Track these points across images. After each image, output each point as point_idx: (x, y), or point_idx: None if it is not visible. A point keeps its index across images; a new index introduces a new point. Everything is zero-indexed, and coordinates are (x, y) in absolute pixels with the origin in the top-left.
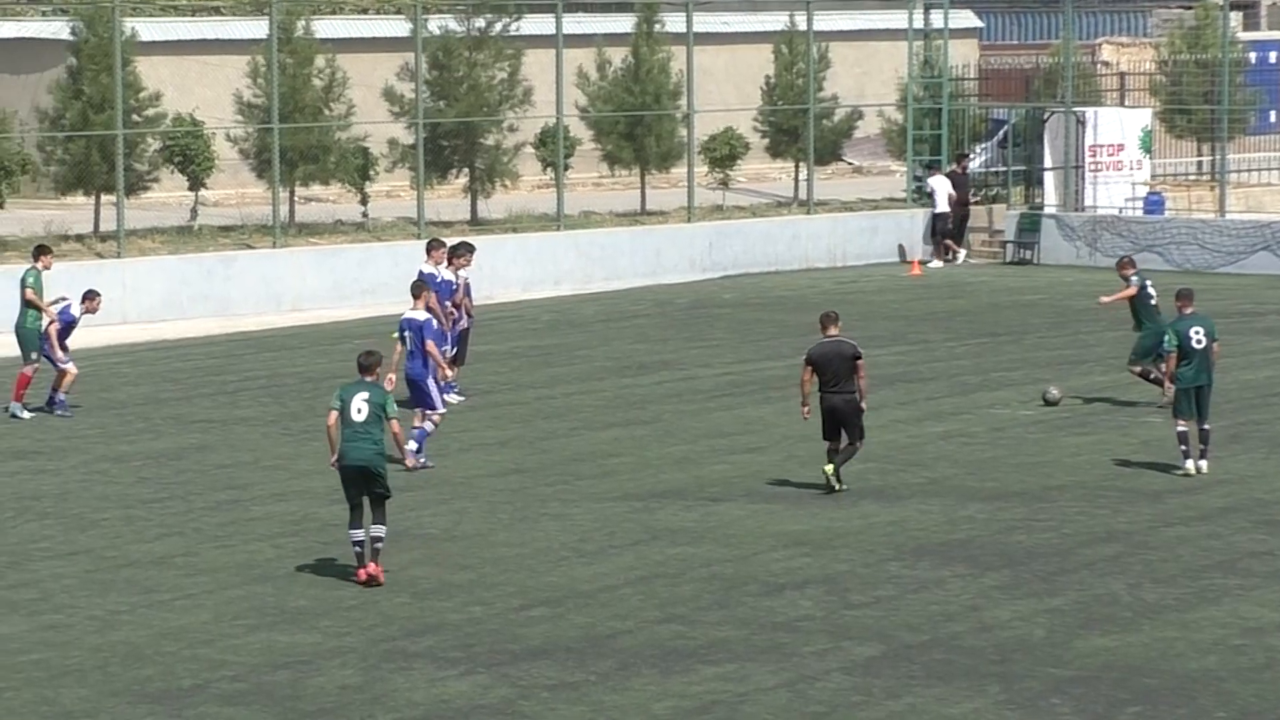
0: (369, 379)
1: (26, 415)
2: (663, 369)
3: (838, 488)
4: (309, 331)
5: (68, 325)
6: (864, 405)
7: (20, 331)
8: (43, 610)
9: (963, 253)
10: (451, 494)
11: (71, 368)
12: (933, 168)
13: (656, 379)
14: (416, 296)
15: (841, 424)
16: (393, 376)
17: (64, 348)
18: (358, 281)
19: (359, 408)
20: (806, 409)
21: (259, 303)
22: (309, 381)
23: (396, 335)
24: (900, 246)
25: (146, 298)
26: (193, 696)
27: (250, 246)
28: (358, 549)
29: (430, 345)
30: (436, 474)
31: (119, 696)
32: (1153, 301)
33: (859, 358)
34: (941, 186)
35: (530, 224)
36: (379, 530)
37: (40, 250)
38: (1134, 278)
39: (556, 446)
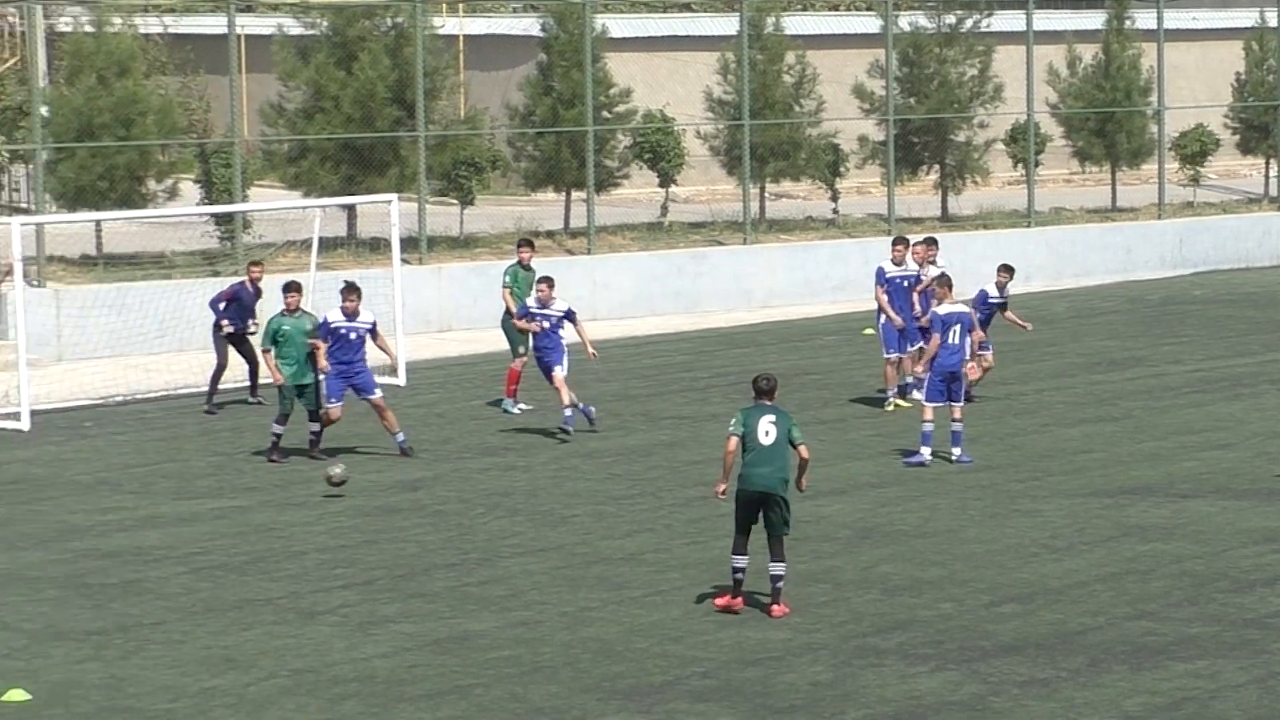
0: (769, 402)
1: (518, 410)
2: (1133, 365)
3: None
4: (779, 328)
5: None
6: None
7: (504, 326)
8: (513, 607)
9: None
10: (922, 490)
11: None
12: None
13: (1127, 375)
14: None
15: None
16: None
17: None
18: (828, 278)
19: (766, 430)
20: None
21: (729, 299)
22: (780, 377)
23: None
24: None
25: (616, 294)
26: (663, 693)
27: (720, 243)
28: (739, 576)
29: (975, 333)
30: (907, 470)
31: (589, 693)
32: None
33: None
34: None
35: (1001, 220)
36: (779, 569)
37: (522, 243)
38: None
39: (1027, 443)
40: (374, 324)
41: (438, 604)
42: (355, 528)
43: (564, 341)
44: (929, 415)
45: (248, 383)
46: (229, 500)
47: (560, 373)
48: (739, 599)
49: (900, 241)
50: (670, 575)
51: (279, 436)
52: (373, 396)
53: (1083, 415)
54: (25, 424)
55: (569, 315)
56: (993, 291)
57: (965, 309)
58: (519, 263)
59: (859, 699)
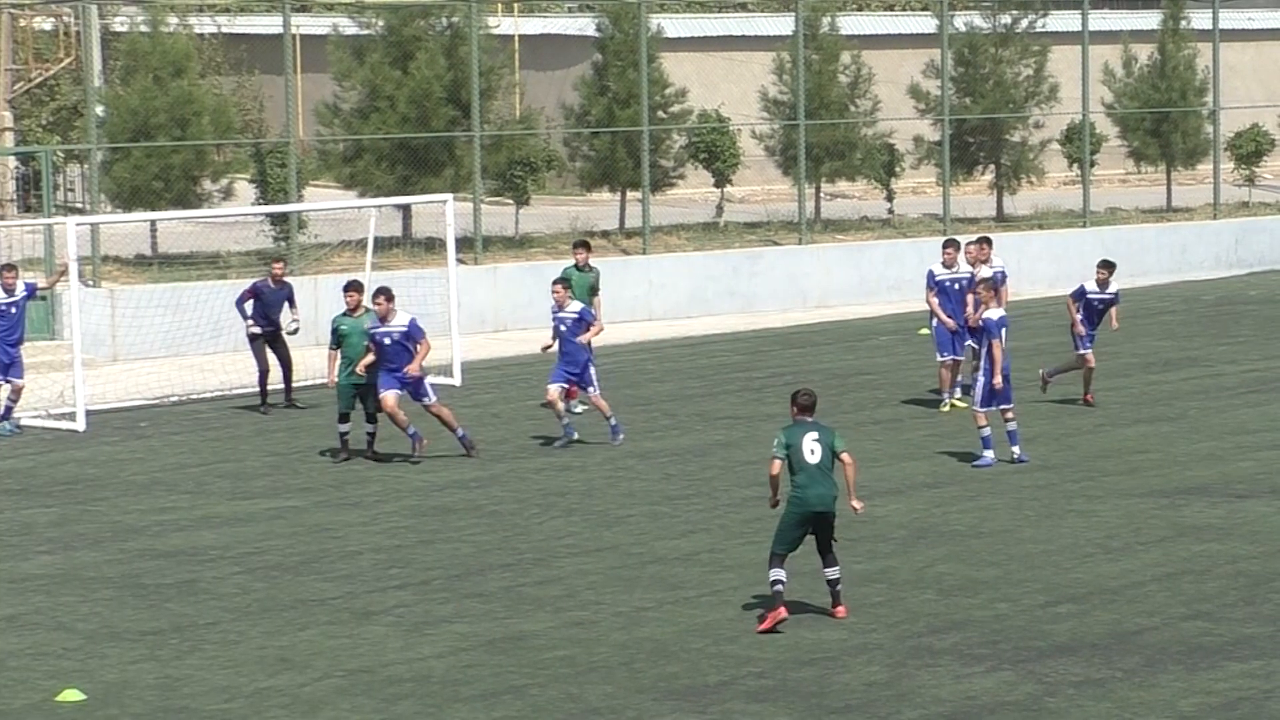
0: (809, 418)
1: (580, 410)
2: (1189, 365)
3: None
4: (834, 328)
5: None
6: None
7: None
8: (569, 607)
9: None
10: (978, 490)
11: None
12: None
13: (1182, 375)
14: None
15: None
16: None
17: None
18: (883, 278)
19: (811, 449)
20: None
21: (784, 299)
22: (835, 378)
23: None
24: None
25: (672, 294)
26: (719, 693)
27: (775, 243)
28: (779, 589)
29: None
30: (962, 470)
31: (645, 693)
32: None
33: None
34: None
35: (1056, 220)
36: (835, 571)
37: (577, 244)
38: None
39: (1083, 443)
40: (409, 325)
41: (493, 604)
42: (410, 528)
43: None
44: (982, 421)
45: (281, 386)
46: (284, 500)
47: (591, 390)
48: (780, 609)
49: (951, 244)
50: (725, 575)
51: (345, 434)
52: (424, 402)
53: (1138, 415)
54: (80, 424)
55: (583, 316)
56: (1091, 286)
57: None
58: (575, 265)
59: (914, 699)
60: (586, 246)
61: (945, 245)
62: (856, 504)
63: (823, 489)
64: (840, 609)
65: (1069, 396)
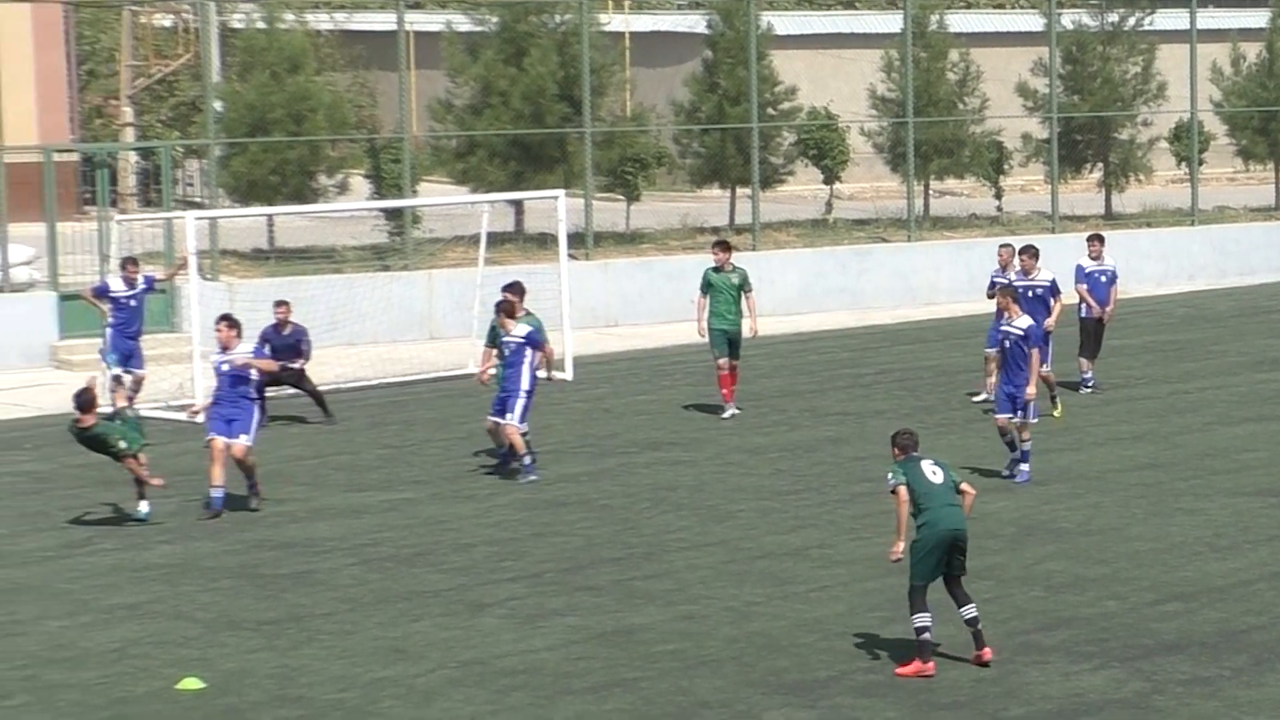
0: (916, 453)
1: (730, 414)
2: None
3: None
4: (943, 325)
5: None
6: None
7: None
8: (678, 601)
9: None
10: (1086, 488)
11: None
12: None
13: None
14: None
15: None
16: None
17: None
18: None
19: (933, 470)
20: None
21: (893, 296)
22: (943, 375)
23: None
24: None
25: (782, 290)
26: (828, 688)
27: (884, 240)
28: (926, 636)
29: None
30: (1071, 468)
31: (754, 687)
32: None
33: None
34: None
35: (1164, 218)
36: (973, 610)
37: (716, 244)
38: None
39: (1191, 441)
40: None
41: (604, 597)
42: (523, 521)
43: (525, 372)
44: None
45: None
46: (398, 493)
47: (509, 418)
48: (930, 664)
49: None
50: (835, 570)
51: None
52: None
53: (1246, 414)
54: (200, 416)
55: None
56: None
57: None
58: (714, 266)
59: (1022, 696)
60: (726, 247)
61: (1021, 252)
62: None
63: (955, 509)
64: (985, 651)
65: (1177, 393)
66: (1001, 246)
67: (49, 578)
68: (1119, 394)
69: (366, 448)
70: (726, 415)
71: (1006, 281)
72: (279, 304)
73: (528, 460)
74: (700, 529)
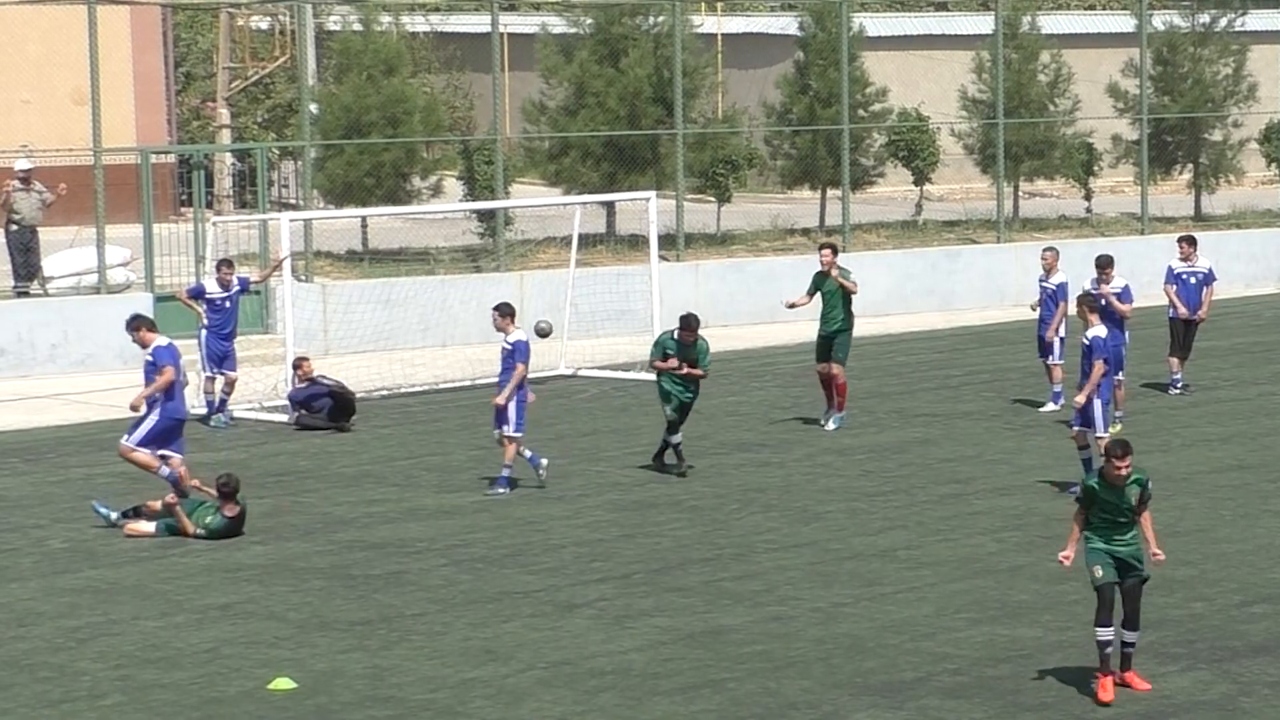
0: None
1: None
2: None
3: None
4: (1031, 326)
5: None
6: None
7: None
8: (767, 602)
9: None
10: (1174, 490)
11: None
12: None
13: None
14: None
15: None
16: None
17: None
18: (1081, 277)
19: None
20: None
21: (982, 297)
22: (1032, 376)
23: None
24: None
25: (871, 291)
26: (914, 689)
27: (974, 241)
28: (1108, 650)
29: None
30: (1158, 470)
31: (841, 689)
32: None
33: None
34: None
35: (1254, 220)
36: (1133, 636)
37: (823, 247)
38: None
39: (1279, 443)
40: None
41: (693, 598)
42: (612, 522)
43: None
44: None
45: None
46: (489, 494)
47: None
48: (1111, 674)
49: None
50: (922, 572)
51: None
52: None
53: None
54: (291, 417)
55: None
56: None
57: None
58: (821, 269)
59: None
60: (833, 249)
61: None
62: (1158, 552)
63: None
64: (1130, 674)
65: (1265, 395)
66: (1045, 250)
67: (143, 578)
68: (1207, 395)
69: (458, 449)
70: (825, 425)
71: (1091, 291)
72: (300, 360)
73: (505, 473)
74: (789, 530)
